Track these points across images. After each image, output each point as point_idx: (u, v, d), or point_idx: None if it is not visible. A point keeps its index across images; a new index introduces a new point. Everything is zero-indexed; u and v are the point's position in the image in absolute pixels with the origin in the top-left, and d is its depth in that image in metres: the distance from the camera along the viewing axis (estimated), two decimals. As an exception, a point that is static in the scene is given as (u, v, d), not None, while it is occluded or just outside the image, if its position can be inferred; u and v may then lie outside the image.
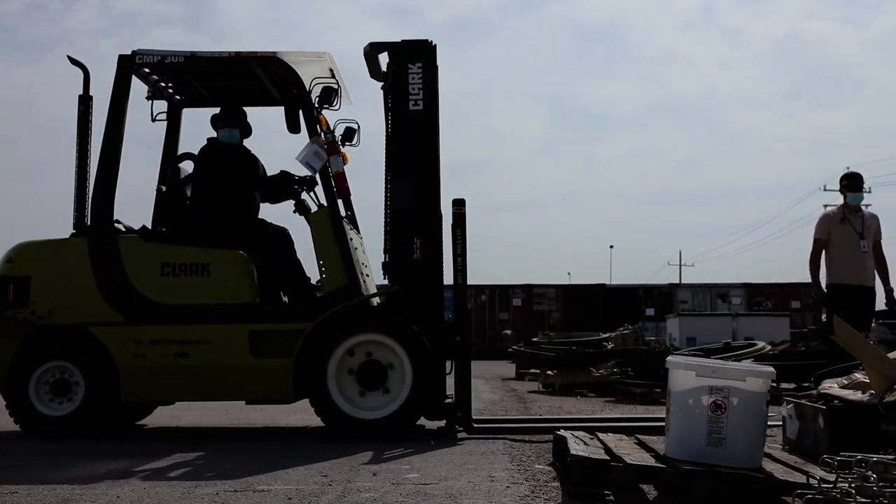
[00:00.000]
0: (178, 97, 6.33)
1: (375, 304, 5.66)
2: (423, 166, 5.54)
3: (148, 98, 6.12)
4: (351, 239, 5.57)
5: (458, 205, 5.43)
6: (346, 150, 5.89)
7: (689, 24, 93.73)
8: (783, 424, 4.81)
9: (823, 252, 7.12)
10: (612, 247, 55.66)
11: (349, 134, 5.93)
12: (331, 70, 5.84)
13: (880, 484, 2.68)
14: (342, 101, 5.93)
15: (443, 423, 5.42)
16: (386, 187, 5.65)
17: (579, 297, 29.06)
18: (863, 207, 7.40)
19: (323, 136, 5.57)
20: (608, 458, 3.33)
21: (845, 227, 7.13)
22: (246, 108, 6.11)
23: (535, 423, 6.05)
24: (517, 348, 14.18)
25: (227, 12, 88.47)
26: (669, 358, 3.58)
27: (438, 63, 5.59)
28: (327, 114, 5.83)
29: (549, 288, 29.60)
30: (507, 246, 72.90)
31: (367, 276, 5.79)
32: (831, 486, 2.75)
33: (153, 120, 6.14)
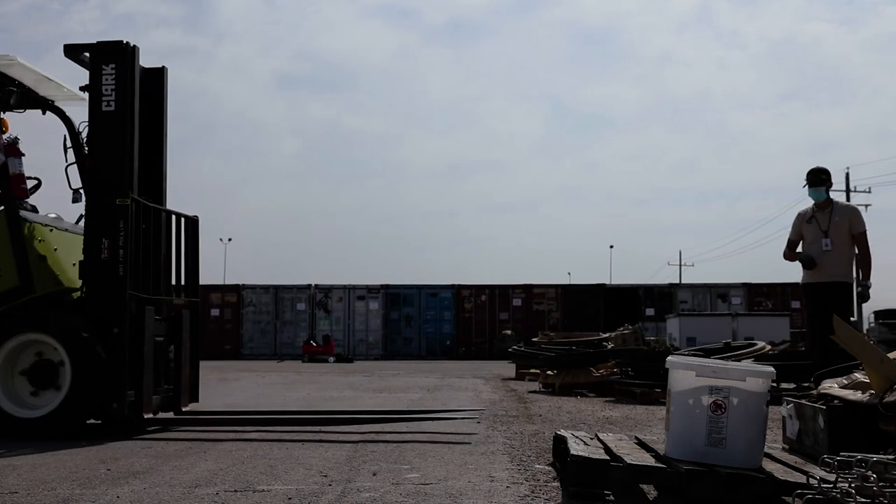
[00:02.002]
0: None
1: (72, 300, 5.75)
2: (113, 166, 5.62)
3: None
4: (41, 240, 5.69)
5: (122, 197, 5.54)
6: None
7: (686, 26, 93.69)
8: (783, 424, 4.82)
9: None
10: (612, 247, 55.74)
11: None
12: (35, 73, 5.93)
13: (880, 484, 2.68)
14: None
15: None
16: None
17: (579, 297, 29.07)
18: (838, 201, 7.30)
19: (2, 137, 5.74)
20: (608, 458, 3.33)
21: (811, 226, 7.14)
22: None
23: (216, 415, 6.29)
24: (517, 348, 14.17)
25: (226, 13, 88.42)
26: (669, 358, 3.58)
27: (146, 65, 5.85)
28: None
29: (549, 288, 29.61)
30: (507, 246, 72.94)
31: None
32: (831, 486, 2.75)
33: None
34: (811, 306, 7.28)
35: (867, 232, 7.11)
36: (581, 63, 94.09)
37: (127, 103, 5.61)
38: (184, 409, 6.13)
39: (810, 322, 7.39)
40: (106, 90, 5.59)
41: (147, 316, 5.59)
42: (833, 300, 6.91)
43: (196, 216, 6.35)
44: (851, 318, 7.74)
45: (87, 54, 5.71)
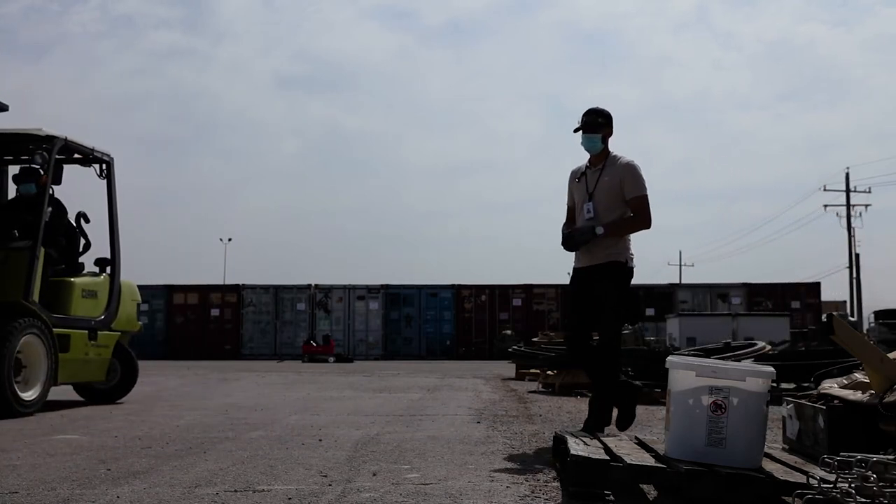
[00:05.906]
0: None
1: None
2: None
3: None
4: None
5: None
6: None
7: (684, 27, 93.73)
8: (783, 424, 4.82)
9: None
10: (612, 247, 55.64)
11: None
12: None
13: (880, 484, 2.68)
14: None
15: None
16: None
17: (579, 297, 29.07)
18: (615, 155, 5.14)
19: None
20: (608, 458, 3.33)
21: (580, 186, 5.21)
22: None
23: None
24: (517, 348, 14.18)
25: (226, 13, 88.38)
26: (669, 358, 3.58)
27: None
28: None
29: (548, 288, 29.66)
30: (507, 246, 72.96)
31: None
32: (831, 486, 2.75)
33: None
34: (570, 296, 5.34)
35: (648, 196, 5.02)
36: (581, 63, 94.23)
37: None
38: None
39: (569, 316, 5.41)
40: None
41: None
42: (599, 286, 4.98)
43: None
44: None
45: None
